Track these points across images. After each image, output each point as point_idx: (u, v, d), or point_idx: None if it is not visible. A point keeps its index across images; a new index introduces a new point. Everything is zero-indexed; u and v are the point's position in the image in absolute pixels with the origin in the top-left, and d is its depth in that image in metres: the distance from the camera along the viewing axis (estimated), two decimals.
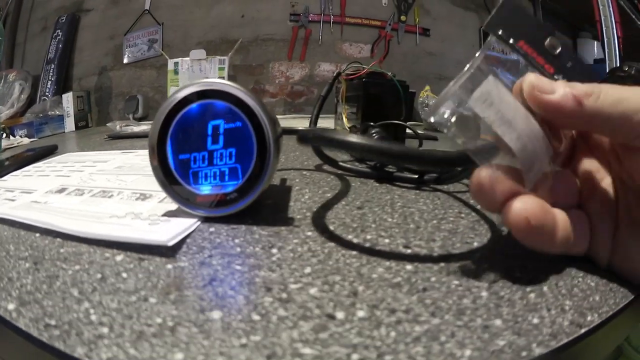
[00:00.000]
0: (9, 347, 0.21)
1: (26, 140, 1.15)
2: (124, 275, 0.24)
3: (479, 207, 0.42)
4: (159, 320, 0.20)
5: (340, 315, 0.21)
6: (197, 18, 1.64)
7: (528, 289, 0.25)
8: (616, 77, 1.15)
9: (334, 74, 0.75)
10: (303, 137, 0.32)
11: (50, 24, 1.77)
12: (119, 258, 0.27)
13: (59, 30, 1.70)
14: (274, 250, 0.29)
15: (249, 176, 0.32)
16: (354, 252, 0.29)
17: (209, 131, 0.33)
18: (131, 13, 1.68)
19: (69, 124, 1.42)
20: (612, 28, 2.13)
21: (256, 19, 1.64)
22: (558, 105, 0.24)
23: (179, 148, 0.33)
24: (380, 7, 1.76)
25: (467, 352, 0.19)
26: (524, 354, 0.19)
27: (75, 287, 0.23)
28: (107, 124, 1.30)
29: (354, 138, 0.29)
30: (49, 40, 1.71)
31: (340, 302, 0.23)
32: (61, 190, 0.45)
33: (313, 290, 0.24)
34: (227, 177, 0.33)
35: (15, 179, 0.55)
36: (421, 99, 1.54)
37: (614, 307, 0.24)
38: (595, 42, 2.26)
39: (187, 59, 1.31)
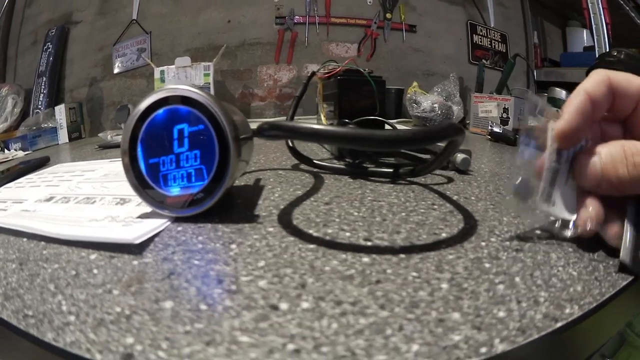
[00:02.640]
0: None
1: (21, 154, 1.17)
2: (95, 271, 0.27)
3: (455, 197, 0.43)
4: (118, 309, 0.22)
5: (284, 306, 0.22)
6: (184, 26, 1.66)
7: (497, 280, 0.25)
8: (605, 62, 1.16)
9: (309, 74, 0.76)
10: (259, 130, 0.34)
11: (40, 37, 1.78)
12: (92, 257, 0.29)
13: (49, 43, 1.71)
14: (233, 246, 0.30)
15: (213, 176, 0.34)
16: (312, 246, 0.30)
17: (175, 135, 0.35)
18: (119, 23, 1.69)
19: (62, 136, 1.44)
20: (600, 14, 2.13)
21: (242, 23, 1.66)
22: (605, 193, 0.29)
23: (149, 153, 0.35)
24: (365, 6, 1.77)
25: (414, 347, 0.19)
26: (483, 350, 0.18)
27: (52, 283, 0.25)
28: (99, 134, 1.32)
29: (303, 124, 0.31)
30: (40, 53, 1.72)
31: (287, 294, 0.23)
32: (49, 199, 0.48)
33: (262, 283, 0.25)
34: (193, 178, 0.35)
35: (8, 190, 0.57)
36: (409, 95, 1.55)
37: (599, 297, 0.23)
38: (585, 30, 2.27)
39: (173, 66, 1.33)
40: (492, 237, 0.32)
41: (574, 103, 0.29)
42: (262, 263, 0.27)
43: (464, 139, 0.33)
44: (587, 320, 0.22)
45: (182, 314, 0.21)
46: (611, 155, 0.28)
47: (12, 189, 0.59)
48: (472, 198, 0.43)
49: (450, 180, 0.52)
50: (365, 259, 0.28)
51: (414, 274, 0.25)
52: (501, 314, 0.21)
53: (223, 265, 0.27)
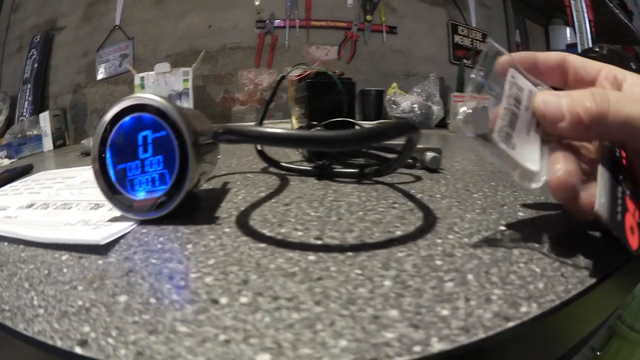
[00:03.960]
0: None
1: (6, 162, 1.18)
2: (65, 270, 0.29)
3: (419, 196, 0.44)
4: (80, 302, 0.24)
5: (223, 300, 0.23)
6: (166, 31, 1.68)
7: (447, 277, 0.25)
8: (588, 58, 1.18)
9: (278, 78, 0.77)
10: (213, 134, 0.36)
11: (25, 43, 1.80)
12: (64, 257, 0.31)
13: (33, 50, 1.73)
14: (189, 246, 0.32)
15: (174, 180, 0.37)
16: (262, 245, 0.31)
17: (140, 141, 0.37)
18: (102, 29, 1.71)
19: (47, 143, 1.45)
20: (583, 12, 2.16)
21: (223, 28, 1.68)
22: (570, 132, 0.28)
23: (117, 159, 0.38)
24: (345, 9, 1.80)
25: (343, 343, 0.19)
26: (417, 348, 0.18)
27: (27, 281, 0.28)
28: (82, 141, 1.33)
29: (252, 128, 0.34)
30: (25, 60, 1.73)
31: (229, 289, 0.25)
32: (30, 205, 0.50)
33: (208, 279, 0.26)
34: (157, 182, 0.37)
35: None
36: (388, 97, 1.58)
37: (563, 295, 0.23)
38: (568, 28, 2.30)
39: (153, 72, 1.34)
40: (450, 234, 0.32)
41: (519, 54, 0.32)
42: (212, 261, 0.29)
43: (418, 135, 0.33)
44: (548, 318, 0.21)
45: (133, 306, 0.24)
46: (577, 93, 0.28)
47: None
48: (437, 196, 0.44)
49: (418, 178, 0.53)
50: (311, 257, 0.28)
51: (358, 271, 0.26)
52: (444, 312, 0.21)
53: (177, 263, 0.29)
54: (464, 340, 0.19)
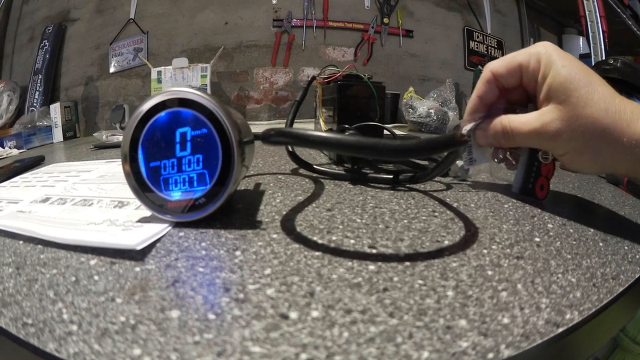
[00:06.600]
0: None
1: (15, 152, 1.15)
2: (96, 277, 0.26)
3: (455, 205, 0.44)
4: (122, 318, 0.21)
5: (293, 315, 0.22)
6: (181, 26, 1.65)
7: (500, 287, 0.25)
8: (602, 70, 1.15)
9: (309, 78, 0.76)
10: (264, 136, 0.33)
11: (37, 34, 1.77)
12: (92, 262, 0.28)
13: (45, 41, 1.70)
14: (237, 253, 0.30)
15: (215, 181, 0.34)
16: (317, 253, 0.30)
17: (177, 138, 0.34)
18: (116, 22, 1.68)
19: (57, 135, 1.43)
20: (597, 22, 2.14)
21: (239, 25, 1.65)
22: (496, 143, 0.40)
23: (149, 156, 0.35)
24: (363, 11, 1.78)
25: (425, 354, 0.19)
26: (490, 355, 0.19)
27: (51, 289, 0.25)
28: (94, 134, 1.31)
29: (310, 132, 0.31)
30: (36, 50, 1.71)
31: (296, 302, 0.23)
32: (45, 200, 0.47)
33: (270, 291, 0.24)
34: (195, 183, 0.34)
35: (2, 190, 0.57)
36: (405, 100, 1.55)
37: (597, 303, 0.24)
38: (581, 38, 2.28)
39: (170, 67, 1.32)
40: (493, 244, 0.33)
41: (468, 106, 0.43)
42: (268, 271, 0.27)
43: (465, 148, 0.36)
44: (586, 325, 0.22)
45: (190, 323, 0.21)
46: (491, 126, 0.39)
47: (7, 188, 0.58)
48: (472, 205, 0.44)
49: (448, 187, 0.52)
50: (372, 267, 0.28)
51: (420, 281, 0.26)
52: (505, 320, 0.22)
53: (229, 272, 0.27)
54: (526, 346, 0.20)
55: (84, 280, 0.26)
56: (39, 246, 0.32)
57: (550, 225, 0.38)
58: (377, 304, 0.23)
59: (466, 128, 0.39)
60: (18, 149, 1.20)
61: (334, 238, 0.33)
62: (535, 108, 0.38)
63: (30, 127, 1.39)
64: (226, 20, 1.65)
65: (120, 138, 1.05)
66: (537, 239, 0.34)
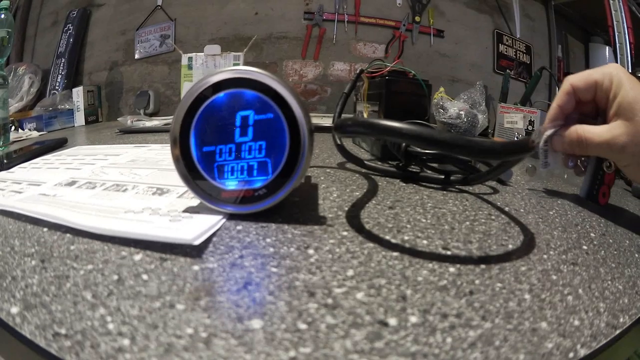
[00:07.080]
0: (12, 356, 0.18)
1: (35, 134, 1.13)
2: (145, 277, 0.22)
3: (506, 208, 0.43)
4: (189, 330, 0.17)
5: (392, 321, 0.20)
6: (210, 14, 1.62)
7: (565, 291, 0.26)
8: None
9: (357, 71, 0.72)
10: (340, 126, 0.30)
11: (61, 18, 1.75)
12: (137, 257, 0.24)
13: (69, 25, 1.69)
14: (311, 251, 0.27)
15: (280, 171, 0.30)
16: (395, 254, 0.28)
17: (238, 122, 0.30)
18: (143, 9, 1.66)
19: (79, 118, 1.40)
20: (625, 34, 2.10)
21: (270, 16, 1.62)
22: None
23: (203, 140, 0.30)
24: (394, 7, 1.73)
25: (521, 356, 0.19)
26: (570, 355, 0.20)
27: (88, 290, 0.20)
28: (118, 119, 1.28)
29: (398, 124, 0.28)
30: (60, 34, 1.69)
31: (391, 308, 0.21)
32: (71, 183, 0.43)
33: (360, 295, 0.22)
34: (255, 172, 0.30)
35: (23, 171, 0.53)
36: (435, 100, 1.51)
37: None
38: (607, 48, 2.23)
39: (202, 54, 1.27)
40: (550, 250, 0.33)
41: (549, 114, 0.42)
42: (350, 272, 0.25)
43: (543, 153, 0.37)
44: (634, 328, 0.23)
45: (279, 335, 0.18)
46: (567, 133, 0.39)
47: (28, 169, 0.54)
48: (521, 210, 0.44)
49: (495, 190, 0.52)
50: (452, 269, 0.27)
51: (499, 284, 0.26)
52: (576, 322, 0.22)
53: (308, 274, 0.24)
54: (595, 345, 0.21)
55: (130, 280, 0.21)
56: (68, 235, 0.27)
57: (592, 235, 0.39)
58: (468, 308, 0.23)
59: (547, 133, 0.40)
60: (38, 131, 1.18)
61: (406, 238, 0.32)
62: (604, 122, 0.40)
63: (52, 110, 1.36)
64: (257, 10, 1.61)
65: (147, 124, 1.01)
66: (585, 247, 0.35)
